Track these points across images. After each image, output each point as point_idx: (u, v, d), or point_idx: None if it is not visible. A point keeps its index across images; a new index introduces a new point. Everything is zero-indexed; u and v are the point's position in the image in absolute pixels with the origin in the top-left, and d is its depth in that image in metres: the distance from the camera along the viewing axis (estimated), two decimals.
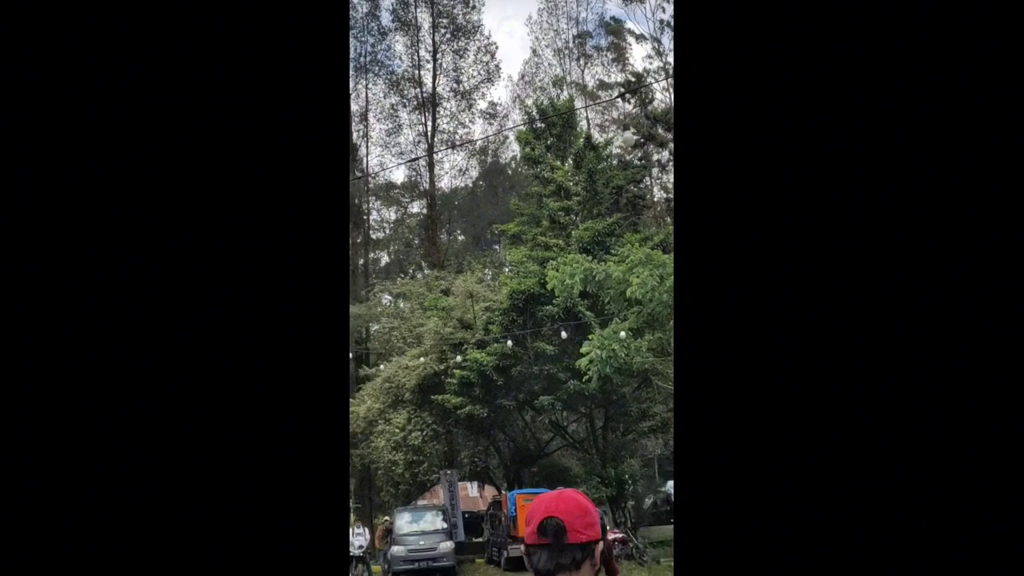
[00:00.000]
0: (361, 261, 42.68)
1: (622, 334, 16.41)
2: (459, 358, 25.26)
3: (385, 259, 46.29)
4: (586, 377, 17.48)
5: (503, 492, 25.64)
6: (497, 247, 36.89)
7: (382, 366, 29.70)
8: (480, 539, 27.35)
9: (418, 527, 23.51)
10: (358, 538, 22.97)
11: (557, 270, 17.09)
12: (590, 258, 19.35)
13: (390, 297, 33.65)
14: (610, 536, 6.72)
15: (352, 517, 28.16)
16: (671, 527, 28.37)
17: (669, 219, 33.56)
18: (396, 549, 22.58)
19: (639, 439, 27.99)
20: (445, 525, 23.89)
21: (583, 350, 16.97)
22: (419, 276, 35.89)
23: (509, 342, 24.12)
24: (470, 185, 44.72)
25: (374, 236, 44.75)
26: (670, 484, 31.81)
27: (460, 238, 43.19)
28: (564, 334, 23.32)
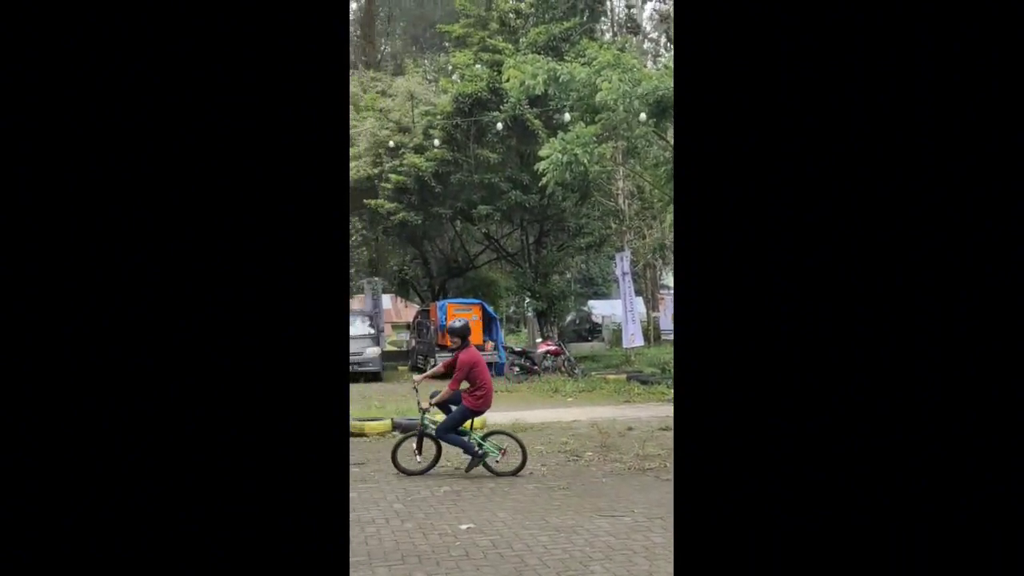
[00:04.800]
0: None
1: (586, 137, 15.43)
2: (396, 162, 24.14)
3: None
4: (542, 183, 16.62)
5: (434, 302, 25.14)
6: (440, 53, 34.94)
7: None
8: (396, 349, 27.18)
9: None
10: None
11: (518, 68, 15.81)
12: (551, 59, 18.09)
13: None
14: (542, 348, 14.92)
15: None
16: (589, 344, 28.79)
17: (627, 30, 32.37)
18: None
19: (571, 256, 27.75)
20: (372, 331, 23.46)
21: (542, 153, 16.01)
22: (353, 75, 33.85)
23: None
24: None
25: None
26: (591, 303, 32.01)
27: (399, 41, 40.84)
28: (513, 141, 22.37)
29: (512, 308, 34.06)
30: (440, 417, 9.56)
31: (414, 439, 9.44)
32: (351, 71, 35.44)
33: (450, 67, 28.55)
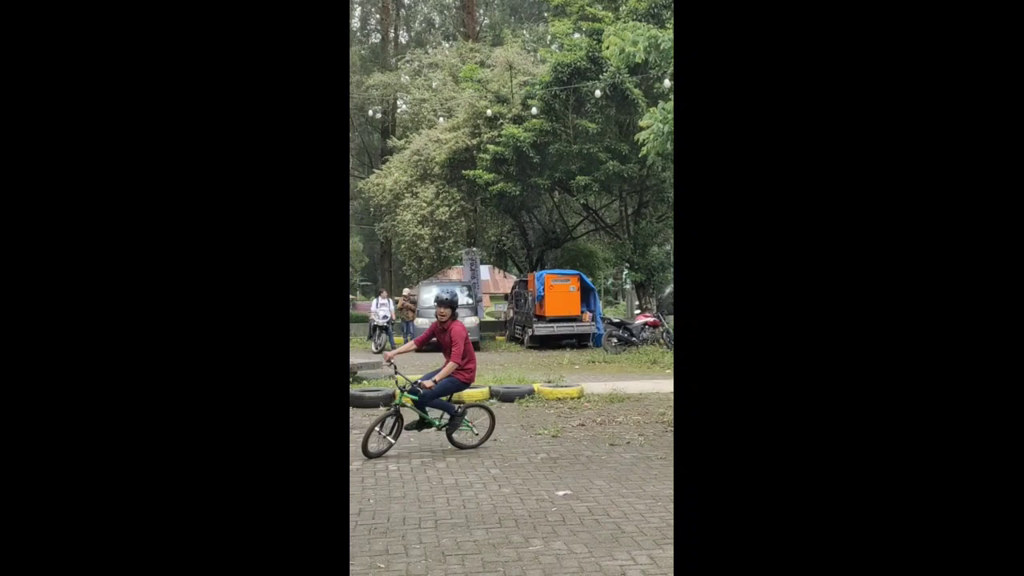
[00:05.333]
0: (391, 31, 40.65)
1: None
2: (494, 133, 24.18)
3: (416, 27, 44.07)
4: (642, 153, 16.39)
5: (531, 273, 25.18)
6: (539, 23, 34.76)
7: (411, 138, 28.56)
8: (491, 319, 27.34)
9: None
10: (382, 308, 22.91)
11: (618, 36, 15.55)
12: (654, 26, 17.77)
13: (418, 67, 31.95)
14: (640, 320, 13.02)
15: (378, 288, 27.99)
16: None
17: None
18: (421, 322, 22.37)
19: (671, 227, 27.37)
20: (471, 300, 23.63)
21: (643, 123, 15.74)
22: (451, 46, 33.98)
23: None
24: None
25: (404, 1, 42.40)
26: None
27: (498, 12, 40.76)
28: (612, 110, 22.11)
29: (610, 280, 33.91)
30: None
31: (388, 420, 8.75)
32: (450, 42, 35.65)
33: (549, 37, 28.38)
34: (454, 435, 8.93)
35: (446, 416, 8.94)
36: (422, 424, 8.87)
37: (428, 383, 8.61)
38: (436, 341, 9.01)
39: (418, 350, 9.57)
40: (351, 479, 7.50)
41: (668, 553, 5.33)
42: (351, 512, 6.41)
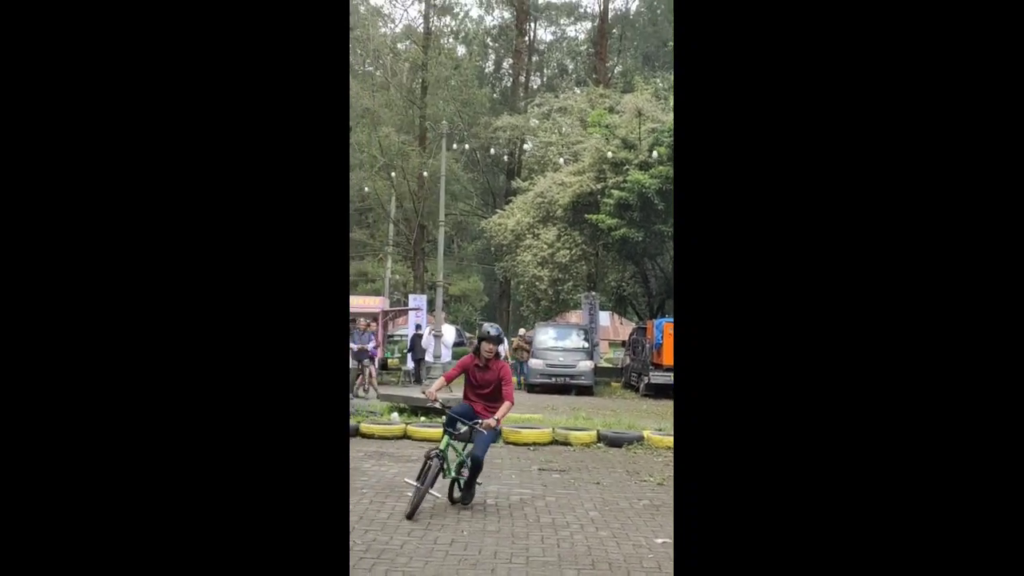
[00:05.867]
0: (523, 75, 41.25)
1: None
2: (619, 178, 24.08)
3: (548, 72, 44.61)
4: None
5: (649, 320, 24.81)
6: (670, 72, 34.63)
7: (536, 180, 28.74)
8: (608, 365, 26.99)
9: (560, 344, 23.14)
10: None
11: None
12: None
13: (547, 111, 32.21)
14: None
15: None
16: None
17: None
18: (535, 363, 22.32)
19: None
20: (586, 344, 23.44)
21: None
22: (582, 92, 34.18)
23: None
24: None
25: (538, 47, 42.99)
26: None
27: (631, 59, 40.88)
28: None
29: None
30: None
31: (432, 467, 7.34)
32: (580, 88, 35.87)
33: None
34: (459, 493, 7.69)
35: (465, 470, 7.63)
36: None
37: (492, 422, 7.41)
38: (474, 379, 7.67)
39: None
40: (448, 511, 7.41)
41: None
42: (444, 542, 6.30)
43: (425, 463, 7.39)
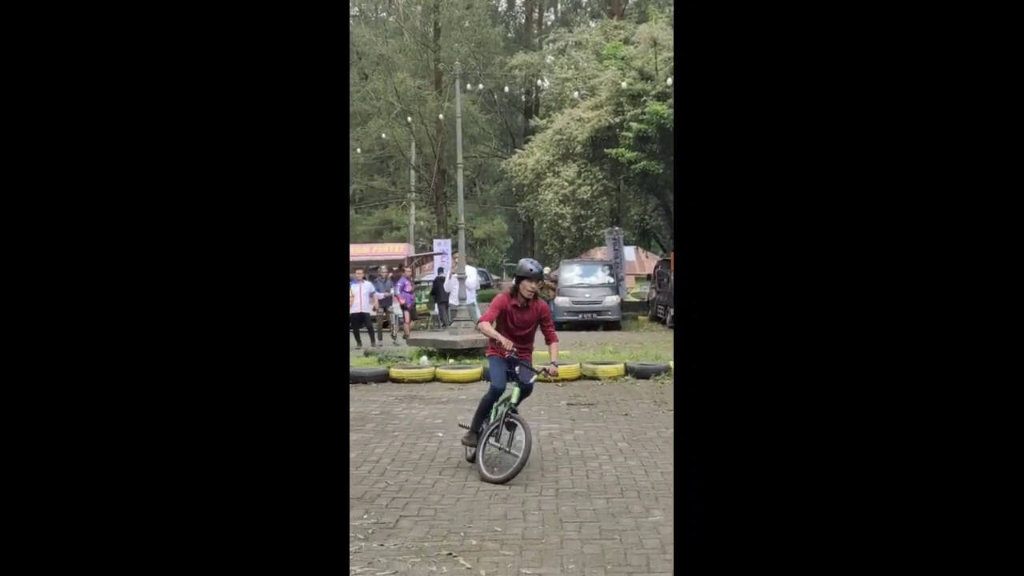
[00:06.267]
0: (536, 11, 40.65)
1: None
2: (637, 111, 23.82)
3: (561, 7, 43.94)
4: None
5: (673, 252, 24.73)
6: None
7: (553, 117, 28.50)
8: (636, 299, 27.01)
9: (586, 280, 23.19)
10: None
11: None
12: None
13: (562, 46, 31.79)
14: None
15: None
16: None
17: None
18: (561, 300, 22.38)
19: None
20: (612, 280, 23.46)
21: None
22: (596, 24, 33.67)
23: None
24: None
25: None
26: None
27: None
28: None
29: None
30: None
31: (496, 435, 6.80)
32: (595, 21, 35.32)
33: None
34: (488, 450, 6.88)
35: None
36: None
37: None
38: (510, 321, 6.92)
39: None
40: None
41: None
42: (474, 479, 6.44)
43: (497, 428, 6.74)
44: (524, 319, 6.94)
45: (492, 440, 6.77)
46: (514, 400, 6.75)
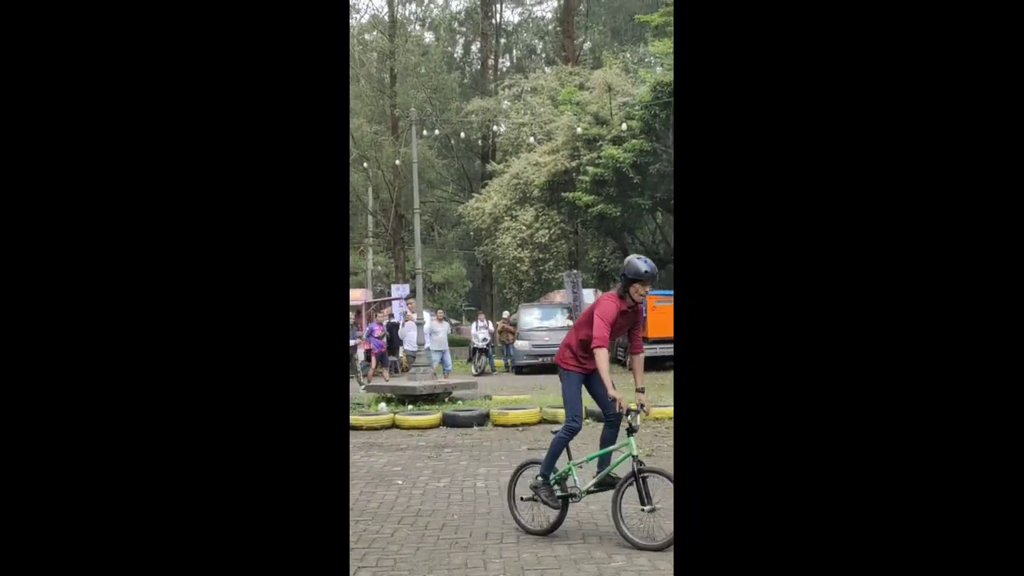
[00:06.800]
0: (492, 58, 41.06)
1: None
2: (593, 155, 24.06)
3: (517, 54, 44.44)
4: None
5: None
6: (640, 44, 34.59)
7: (510, 161, 28.66)
8: None
9: (545, 323, 23.19)
10: (481, 331, 22.97)
11: None
12: None
13: (518, 92, 32.09)
14: None
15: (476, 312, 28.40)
16: None
17: None
18: (521, 344, 22.35)
19: None
20: (571, 323, 23.45)
21: None
22: (551, 71, 34.06)
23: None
24: None
25: (505, 28, 42.80)
26: None
27: (598, 35, 40.73)
28: None
29: None
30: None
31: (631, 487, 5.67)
32: (550, 67, 35.74)
33: (649, 57, 28.16)
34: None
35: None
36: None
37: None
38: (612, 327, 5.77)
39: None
40: (438, 496, 7.42)
41: None
42: (435, 527, 6.31)
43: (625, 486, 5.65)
44: (621, 325, 5.90)
45: (625, 500, 5.64)
46: (634, 451, 5.64)
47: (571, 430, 5.97)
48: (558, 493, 5.98)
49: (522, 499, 6.04)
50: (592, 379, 5.93)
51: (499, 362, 24.10)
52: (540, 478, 6.03)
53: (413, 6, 39.29)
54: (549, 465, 6.02)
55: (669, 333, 21.36)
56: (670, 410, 12.17)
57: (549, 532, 5.95)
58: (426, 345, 16.43)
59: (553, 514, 5.94)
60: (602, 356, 5.59)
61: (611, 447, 6.00)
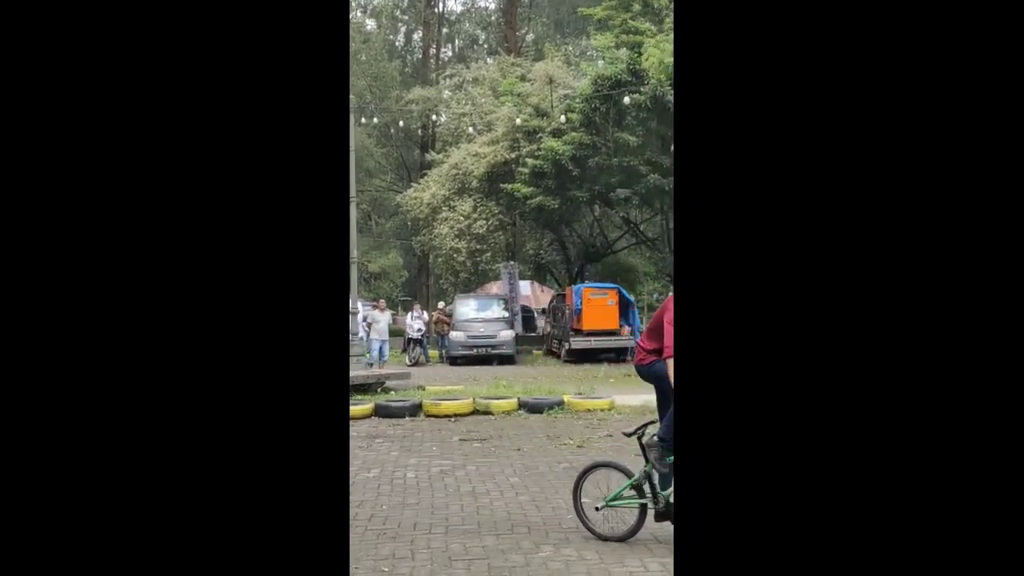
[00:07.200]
0: (433, 47, 40.82)
1: None
2: (533, 147, 24.06)
3: (459, 43, 44.22)
4: None
5: (568, 286, 24.95)
6: (582, 37, 34.67)
7: (450, 152, 28.54)
8: (532, 333, 27.11)
9: (480, 315, 23.15)
10: (416, 321, 22.86)
11: (658, 47, 15.39)
12: None
13: (459, 82, 31.95)
14: None
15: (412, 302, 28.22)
16: None
17: None
18: (456, 335, 22.28)
19: None
20: (507, 314, 23.50)
21: None
22: (493, 61, 33.98)
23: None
24: None
25: (448, 17, 42.58)
26: None
27: (541, 27, 40.72)
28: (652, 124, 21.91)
29: (656, 295, 33.51)
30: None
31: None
32: (492, 57, 35.64)
33: (591, 51, 28.25)
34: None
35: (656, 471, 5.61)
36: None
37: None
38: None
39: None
40: (367, 487, 7.34)
41: None
42: (364, 518, 6.24)
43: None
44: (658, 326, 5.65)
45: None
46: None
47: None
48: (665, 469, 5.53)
49: (596, 509, 5.65)
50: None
51: (433, 353, 24.00)
52: (658, 439, 5.56)
53: None
54: (669, 428, 5.47)
55: (603, 326, 21.53)
56: (601, 402, 12.26)
57: (628, 537, 5.52)
58: (359, 335, 16.28)
59: (632, 518, 5.57)
60: (671, 365, 5.37)
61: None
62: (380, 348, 17.95)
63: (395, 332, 26.92)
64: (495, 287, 29.47)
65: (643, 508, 5.51)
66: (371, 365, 16.03)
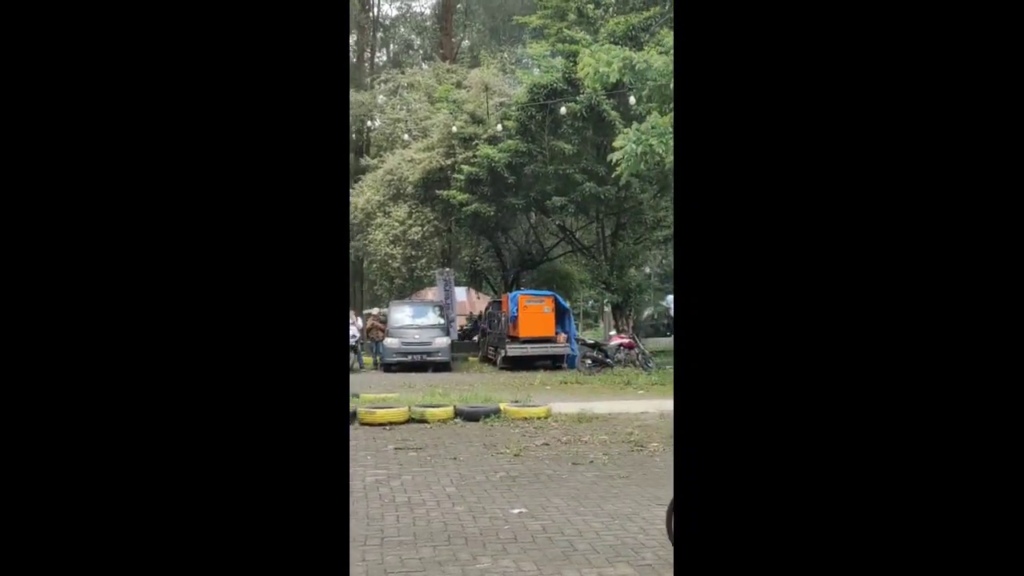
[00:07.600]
0: (368, 51, 40.52)
1: (662, 127, 14.81)
2: (469, 153, 24.01)
3: (394, 48, 44.00)
4: (615, 174, 16.18)
5: (504, 293, 24.94)
6: (517, 45, 34.75)
7: (385, 157, 28.33)
8: (467, 340, 27.07)
9: (416, 321, 23.00)
10: (350, 327, 22.59)
11: (592, 57, 15.46)
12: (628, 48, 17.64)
13: (394, 87, 31.75)
14: (615, 341, 12.32)
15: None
16: (667, 339, 28.00)
17: None
18: (391, 341, 22.09)
19: (649, 249, 27.21)
20: (442, 321, 23.38)
21: (616, 143, 15.54)
22: (428, 67, 33.87)
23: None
24: None
25: (383, 22, 42.35)
26: (669, 298, 31.19)
27: (476, 34, 40.70)
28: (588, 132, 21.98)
29: (591, 302, 33.70)
30: None
31: None
32: (428, 63, 35.52)
33: (527, 59, 28.31)
34: None
35: None
36: None
37: None
38: None
39: None
40: None
41: (619, 571, 5.07)
42: None
43: None
44: None
45: None
46: None
47: None
48: None
49: None
50: None
51: (368, 359, 23.78)
52: None
53: None
54: None
55: (538, 333, 21.56)
56: (538, 410, 12.26)
57: None
58: None
59: None
60: None
61: None
62: None
63: None
64: (430, 293, 29.30)
65: None
66: None
